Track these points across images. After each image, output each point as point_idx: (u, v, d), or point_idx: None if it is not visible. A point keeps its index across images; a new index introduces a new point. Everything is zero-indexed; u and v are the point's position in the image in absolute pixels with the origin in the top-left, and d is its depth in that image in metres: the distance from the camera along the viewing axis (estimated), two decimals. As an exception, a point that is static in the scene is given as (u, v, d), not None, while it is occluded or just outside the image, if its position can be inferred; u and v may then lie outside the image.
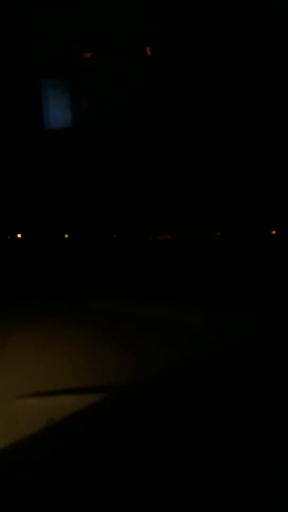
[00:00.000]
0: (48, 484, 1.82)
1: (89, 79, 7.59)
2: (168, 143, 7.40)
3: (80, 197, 7.95)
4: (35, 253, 8.71)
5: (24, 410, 2.49)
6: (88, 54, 7.53)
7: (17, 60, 7.11)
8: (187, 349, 3.75)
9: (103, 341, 4.00)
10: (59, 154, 7.54)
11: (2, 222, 8.87)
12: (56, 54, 7.08)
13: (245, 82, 6.84)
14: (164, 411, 2.47)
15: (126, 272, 7.27)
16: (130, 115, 7.59)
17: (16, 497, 1.74)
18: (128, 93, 7.63)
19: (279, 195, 6.95)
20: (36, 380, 2.94)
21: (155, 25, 6.96)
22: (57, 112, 7.53)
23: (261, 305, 5.32)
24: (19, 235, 10.00)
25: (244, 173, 7.08)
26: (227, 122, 7.05)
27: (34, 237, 9.22)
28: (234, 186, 7.20)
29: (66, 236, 9.55)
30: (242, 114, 7.00)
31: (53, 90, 7.58)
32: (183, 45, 7.04)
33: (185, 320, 4.80)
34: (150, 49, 7.35)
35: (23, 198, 8.09)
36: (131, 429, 2.27)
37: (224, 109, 7.02)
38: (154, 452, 2.05)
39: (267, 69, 6.76)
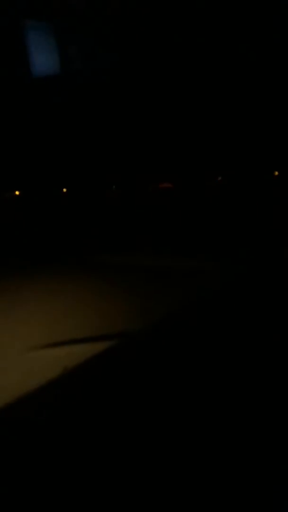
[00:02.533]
0: (64, 426, 1.90)
1: (77, 21, 7.14)
2: (165, 87, 7.09)
3: (75, 149, 7.72)
4: (34, 210, 8.62)
5: (39, 360, 2.56)
6: None
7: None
8: (189, 294, 3.82)
9: (109, 292, 4.05)
10: (49, 103, 7.23)
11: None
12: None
13: (244, 23, 6.44)
14: (170, 353, 2.54)
15: (127, 224, 7.24)
16: (122, 59, 7.21)
17: (34, 440, 1.82)
18: (119, 36, 7.20)
19: (280, 137, 6.75)
20: (48, 332, 3.01)
21: None
22: (44, 58, 7.14)
23: (258, 248, 5.36)
24: (17, 192, 9.85)
25: (244, 117, 6.84)
26: (226, 65, 6.72)
27: (32, 193, 9.07)
28: (233, 130, 6.98)
29: (65, 190, 9.39)
30: (241, 58, 6.65)
31: (38, 33, 7.14)
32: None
33: (187, 267, 4.85)
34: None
35: (16, 153, 7.86)
36: (139, 372, 2.35)
37: (222, 52, 6.66)
38: (162, 392, 2.13)
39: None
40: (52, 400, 2.15)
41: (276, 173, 7.19)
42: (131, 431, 1.84)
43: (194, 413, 1.94)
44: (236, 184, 7.40)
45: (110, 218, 7.65)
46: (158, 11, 6.75)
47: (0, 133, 7.30)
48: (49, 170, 8.33)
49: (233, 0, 6.24)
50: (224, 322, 3.05)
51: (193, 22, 6.56)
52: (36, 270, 5.27)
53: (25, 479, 1.59)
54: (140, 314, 3.30)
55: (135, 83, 7.10)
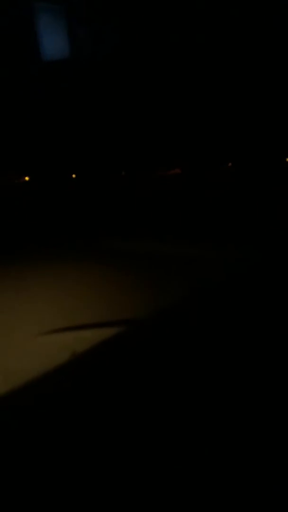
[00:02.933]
0: (71, 411, 1.94)
1: (88, 3, 7.04)
2: (174, 71, 6.98)
3: (84, 134, 7.68)
4: (44, 195, 8.62)
5: (48, 346, 2.60)
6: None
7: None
8: (198, 281, 3.83)
9: (118, 278, 4.07)
10: (59, 87, 7.18)
11: (7, 166, 8.70)
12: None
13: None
14: (176, 341, 2.56)
15: (136, 210, 7.22)
16: (132, 43, 7.10)
17: (40, 426, 1.86)
18: (129, 20, 7.08)
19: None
20: (57, 317, 3.04)
21: None
22: (53, 42, 7.05)
23: (268, 237, 5.31)
24: (26, 178, 9.85)
25: (253, 102, 6.72)
26: (235, 51, 6.58)
27: (41, 179, 9.06)
28: (243, 116, 6.88)
29: (74, 176, 9.38)
30: (249, 44, 6.51)
31: (49, 15, 7.05)
32: None
33: (196, 254, 4.84)
34: None
35: (25, 138, 7.84)
36: (146, 358, 2.37)
37: (229, 39, 6.53)
38: (167, 380, 2.16)
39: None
40: (60, 385, 2.19)
41: None
42: (135, 419, 1.87)
43: (196, 404, 1.96)
44: (247, 170, 7.32)
45: (118, 204, 7.63)
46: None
47: (10, 119, 7.28)
48: (58, 156, 8.31)
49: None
50: (229, 312, 3.05)
51: (201, 9, 6.43)
52: (43, 255, 5.31)
53: (29, 466, 1.63)
54: (147, 300, 3.32)
55: (145, 68, 7.01)
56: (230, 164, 7.83)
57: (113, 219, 6.86)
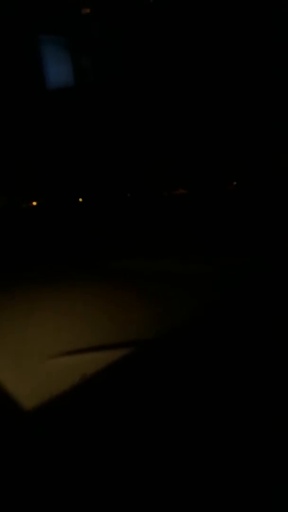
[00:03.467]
0: (84, 434, 1.96)
1: (89, 35, 7.30)
2: (177, 96, 7.15)
3: (89, 158, 7.84)
4: (51, 219, 8.75)
5: (57, 369, 2.62)
6: (88, 10, 7.21)
7: (14, 15, 6.83)
8: (206, 299, 3.83)
9: (125, 298, 4.09)
10: (63, 114, 7.37)
11: (14, 190, 8.88)
12: (55, 9, 6.81)
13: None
14: (189, 361, 2.57)
15: (143, 230, 7.28)
16: (134, 70, 7.32)
17: (53, 450, 1.87)
18: (130, 48, 7.32)
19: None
20: (65, 340, 3.06)
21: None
22: (58, 69, 7.29)
23: (278, 251, 5.32)
24: (34, 203, 10.03)
25: (257, 121, 6.83)
26: (237, 68, 6.73)
27: (48, 203, 9.22)
28: (247, 135, 6.98)
29: (80, 200, 9.53)
30: (255, 60, 6.65)
31: (52, 46, 7.31)
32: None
33: (205, 273, 4.85)
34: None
35: (30, 164, 8.02)
36: (158, 380, 2.39)
37: (231, 55, 6.69)
38: (181, 400, 2.17)
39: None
40: (71, 408, 2.21)
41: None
42: (145, 440, 1.88)
43: (203, 427, 1.96)
44: (252, 190, 7.38)
45: (124, 224, 7.69)
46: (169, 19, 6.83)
47: (16, 146, 7.47)
48: (64, 180, 8.47)
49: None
50: (238, 331, 3.05)
51: (204, 31, 6.62)
52: (49, 277, 5.35)
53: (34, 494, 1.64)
54: (154, 320, 3.33)
55: (145, 92, 7.19)
56: (234, 183, 7.89)
57: (119, 240, 6.92)
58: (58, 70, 7.29)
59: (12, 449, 1.88)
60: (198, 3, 6.66)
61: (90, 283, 4.82)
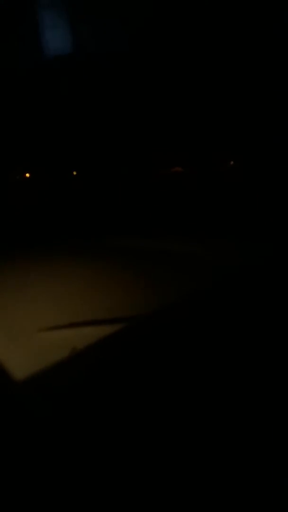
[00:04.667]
0: (72, 406, 1.96)
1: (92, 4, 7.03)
2: (177, 69, 6.96)
3: (87, 131, 7.68)
4: (45, 192, 8.63)
5: (48, 341, 2.62)
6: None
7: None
8: (201, 279, 3.84)
9: (120, 275, 4.09)
10: (61, 84, 7.16)
11: (8, 162, 8.70)
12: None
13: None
14: (178, 338, 2.58)
15: (139, 208, 7.23)
16: (135, 40, 7.09)
17: (39, 422, 1.88)
18: (132, 16, 7.07)
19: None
20: (57, 313, 3.06)
21: None
22: (56, 36, 7.04)
23: (272, 233, 5.31)
24: (27, 175, 9.86)
25: (254, 100, 6.71)
26: (237, 50, 6.55)
27: (43, 175, 9.07)
28: (244, 113, 6.86)
29: (75, 173, 9.37)
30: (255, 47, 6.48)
31: (51, 11, 7.04)
32: None
33: (198, 252, 4.85)
34: None
35: (27, 135, 7.84)
36: (145, 356, 2.39)
37: (232, 40, 6.50)
38: (168, 376, 2.18)
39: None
40: (59, 381, 2.21)
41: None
42: (135, 416, 1.89)
43: (196, 402, 1.97)
44: (249, 169, 7.32)
45: (121, 202, 7.62)
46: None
47: (11, 116, 7.27)
48: (60, 153, 8.31)
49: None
50: (231, 311, 3.06)
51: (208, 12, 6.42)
52: (44, 252, 5.32)
53: (29, 465, 1.64)
54: (148, 298, 3.33)
55: (146, 64, 6.99)
56: (232, 162, 7.82)
57: (116, 217, 6.87)
58: (56, 36, 7.03)
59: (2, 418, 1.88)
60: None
61: (87, 260, 4.81)
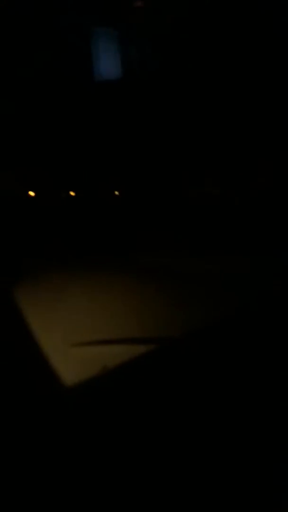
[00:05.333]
0: (101, 426, 1.93)
1: (141, 28, 7.28)
2: (221, 91, 7.02)
3: (134, 151, 7.83)
4: (87, 211, 8.84)
5: (79, 358, 2.62)
6: (139, 3, 7.20)
7: (66, 9, 6.91)
8: (236, 301, 3.72)
9: (152, 294, 4.05)
10: (111, 106, 7.38)
11: (55, 179, 9.01)
12: (107, 2, 6.84)
13: None
14: (213, 362, 2.50)
15: (171, 226, 7.21)
16: (183, 64, 7.23)
17: (75, 438, 1.86)
18: (180, 43, 7.23)
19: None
20: (89, 330, 3.06)
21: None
22: (108, 62, 7.31)
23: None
24: (72, 193, 10.17)
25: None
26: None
27: (87, 194, 9.31)
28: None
29: (116, 193, 9.57)
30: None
31: (103, 39, 7.34)
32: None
33: (231, 272, 4.73)
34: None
35: (76, 154, 8.09)
36: (179, 378, 2.33)
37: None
38: (203, 399, 2.11)
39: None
40: (90, 399, 2.19)
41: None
42: (161, 438, 1.84)
43: (223, 430, 1.90)
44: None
45: (157, 219, 7.63)
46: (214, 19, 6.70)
47: (62, 135, 7.54)
48: (102, 172, 8.51)
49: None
50: (267, 339, 2.94)
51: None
52: (80, 268, 5.38)
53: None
54: (179, 319, 3.27)
55: (193, 87, 7.08)
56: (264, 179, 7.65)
57: (152, 234, 6.88)
58: (107, 62, 7.30)
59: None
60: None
61: (119, 277, 4.82)
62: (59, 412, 2.04)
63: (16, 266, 4.69)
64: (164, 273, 5.04)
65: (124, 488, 1.55)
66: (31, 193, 7.95)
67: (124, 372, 2.46)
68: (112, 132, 7.62)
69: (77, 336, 2.90)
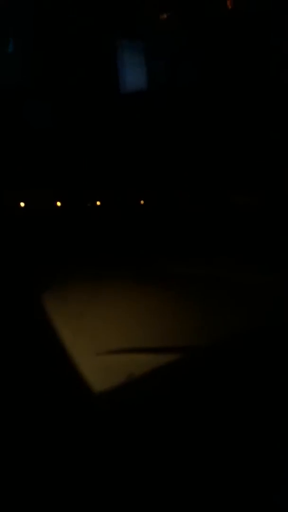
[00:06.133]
0: (127, 434, 1.95)
1: (165, 40, 7.38)
2: (246, 101, 7.01)
3: (159, 162, 7.88)
4: (112, 220, 8.93)
5: (105, 366, 2.65)
6: (165, 16, 7.32)
7: (92, 21, 7.08)
8: (264, 312, 3.67)
9: (178, 304, 4.05)
10: (136, 118, 7.48)
11: (81, 189, 9.16)
12: (132, 14, 6.97)
13: None
14: (239, 372, 2.48)
15: (198, 234, 7.18)
16: (208, 77, 7.28)
17: (100, 446, 1.89)
18: (206, 55, 7.30)
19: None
20: (115, 338, 3.09)
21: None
22: (133, 74, 7.44)
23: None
24: (98, 203, 10.30)
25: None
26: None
27: (112, 204, 9.41)
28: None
29: (142, 202, 9.63)
30: None
31: (129, 51, 7.48)
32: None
33: (259, 282, 4.67)
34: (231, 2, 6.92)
35: (100, 165, 8.21)
36: (204, 387, 2.33)
37: None
38: (227, 408, 2.10)
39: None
40: (117, 406, 2.22)
41: None
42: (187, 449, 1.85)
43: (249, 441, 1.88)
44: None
45: (183, 227, 7.61)
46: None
47: (88, 146, 7.67)
48: (129, 182, 8.59)
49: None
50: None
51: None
52: (108, 277, 5.42)
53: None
54: (205, 329, 3.26)
55: (219, 98, 7.10)
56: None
57: (177, 243, 6.87)
58: (133, 74, 7.42)
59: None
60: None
61: (144, 285, 4.84)
62: (87, 418, 2.08)
63: (46, 275, 4.78)
64: (191, 282, 5.03)
65: (149, 490, 1.57)
66: (58, 203, 8.12)
67: (150, 380, 2.48)
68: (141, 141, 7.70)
69: (104, 344, 2.95)
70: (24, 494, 1.59)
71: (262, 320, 3.52)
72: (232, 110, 7.22)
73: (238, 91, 7.16)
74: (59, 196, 8.29)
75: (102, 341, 3.01)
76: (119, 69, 7.44)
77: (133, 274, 5.66)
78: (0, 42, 7.18)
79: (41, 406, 2.20)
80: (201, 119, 7.47)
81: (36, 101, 7.43)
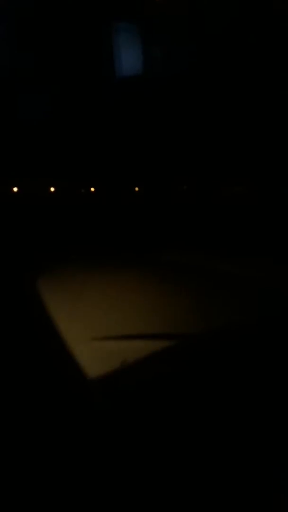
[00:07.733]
0: (120, 419, 1.96)
1: (163, 24, 7.27)
2: (246, 89, 6.95)
3: (154, 149, 7.82)
4: (106, 206, 8.87)
5: (99, 351, 2.65)
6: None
7: (88, 4, 6.95)
8: (259, 304, 3.69)
9: (174, 292, 4.05)
10: (132, 103, 7.39)
11: (75, 175, 9.08)
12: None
13: None
14: (234, 361, 2.49)
15: (196, 225, 7.18)
16: (206, 63, 7.19)
17: (95, 431, 1.89)
18: (203, 40, 7.20)
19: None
20: (110, 325, 3.09)
21: None
22: (129, 58, 7.33)
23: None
24: (92, 189, 10.22)
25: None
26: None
27: (106, 190, 9.34)
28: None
29: (137, 189, 9.57)
30: None
31: (125, 35, 7.35)
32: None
33: (257, 275, 4.69)
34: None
35: (95, 150, 8.13)
36: (198, 374, 2.34)
37: None
38: (220, 398, 2.11)
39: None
40: (107, 391, 2.22)
41: None
42: (179, 435, 1.85)
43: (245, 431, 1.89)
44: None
45: (181, 217, 7.61)
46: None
47: (82, 132, 7.57)
48: (125, 169, 8.52)
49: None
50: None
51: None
52: (104, 264, 5.41)
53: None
54: (202, 318, 3.26)
55: (217, 85, 7.03)
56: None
57: (175, 232, 6.86)
58: (127, 58, 7.31)
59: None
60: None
61: (138, 274, 4.84)
62: (81, 403, 2.08)
63: (42, 260, 4.76)
64: (187, 271, 5.04)
65: (149, 481, 1.57)
66: (52, 189, 8.04)
67: (145, 366, 2.49)
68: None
69: (99, 330, 2.94)
70: (19, 478, 1.59)
71: (258, 309, 3.54)
72: (229, 98, 7.17)
73: (235, 79, 7.11)
74: (54, 183, 8.22)
75: (98, 327, 3.01)
76: (114, 55, 7.33)
77: (129, 262, 5.65)
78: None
79: (36, 391, 2.20)
80: (197, 106, 7.42)
81: (31, 87, 7.31)
